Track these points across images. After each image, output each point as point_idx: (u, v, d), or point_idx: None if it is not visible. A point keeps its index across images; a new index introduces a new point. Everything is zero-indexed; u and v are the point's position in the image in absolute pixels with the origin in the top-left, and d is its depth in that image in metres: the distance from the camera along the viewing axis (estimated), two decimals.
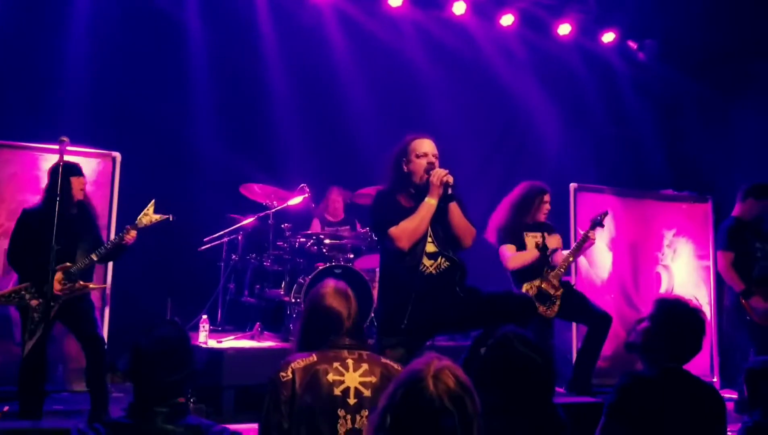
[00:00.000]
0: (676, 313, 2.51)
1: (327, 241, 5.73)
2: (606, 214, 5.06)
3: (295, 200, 5.85)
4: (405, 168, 3.59)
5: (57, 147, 3.96)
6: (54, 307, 4.00)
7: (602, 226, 5.07)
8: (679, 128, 7.56)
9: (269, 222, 5.78)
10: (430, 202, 3.47)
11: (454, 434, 1.52)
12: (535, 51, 7.41)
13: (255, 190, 5.94)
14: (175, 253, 5.94)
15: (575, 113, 7.57)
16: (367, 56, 6.98)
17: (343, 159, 6.47)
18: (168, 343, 2.04)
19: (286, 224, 5.88)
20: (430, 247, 3.54)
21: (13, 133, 5.20)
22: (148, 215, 4.26)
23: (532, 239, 4.86)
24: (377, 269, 5.83)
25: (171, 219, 4.32)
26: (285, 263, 5.73)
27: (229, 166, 6.41)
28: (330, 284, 2.46)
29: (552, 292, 4.74)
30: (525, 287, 4.75)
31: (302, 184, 5.97)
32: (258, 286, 5.88)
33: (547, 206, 4.94)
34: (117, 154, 5.21)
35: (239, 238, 6.04)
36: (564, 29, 7.21)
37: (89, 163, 5.09)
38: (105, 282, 4.93)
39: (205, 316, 5.23)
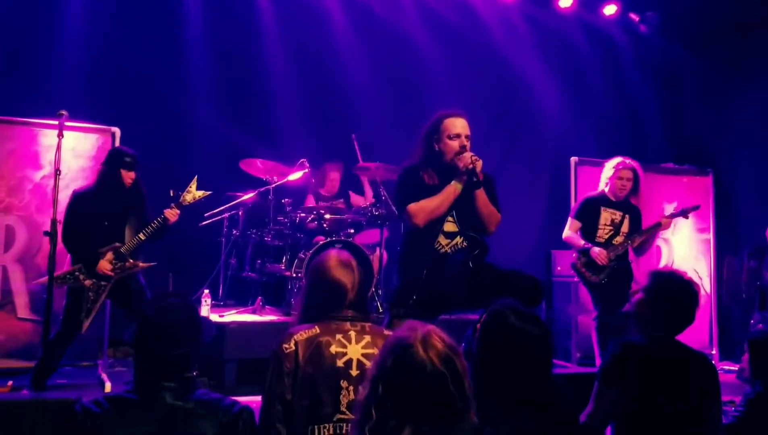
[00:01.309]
0: (669, 284, 2.57)
1: (327, 216, 5.74)
2: (697, 207, 5.34)
3: (295, 175, 5.84)
4: (435, 146, 3.54)
5: (56, 122, 3.99)
6: (106, 286, 4.18)
7: (686, 217, 5.36)
8: (680, 102, 7.54)
9: (269, 197, 5.78)
10: (455, 187, 3.45)
11: (447, 396, 1.54)
12: (535, 24, 7.36)
13: (255, 165, 5.93)
14: (175, 229, 5.94)
15: (576, 87, 7.54)
16: (367, 30, 6.93)
17: (342, 133, 6.44)
18: (175, 315, 1.99)
19: (286, 199, 5.88)
20: (450, 227, 3.54)
21: (11, 108, 5.19)
22: (191, 192, 4.35)
23: (609, 214, 5.02)
24: (377, 244, 5.86)
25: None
26: (285, 238, 5.75)
27: (228, 141, 6.40)
28: (333, 255, 2.43)
29: (599, 260, 4.87)
30: (578, 254, 4.99)
31: (302, 160, 5.95)
32: (259, 261, 5.90)
33: (625, 182, 5.00)
34: (116, 130, 5.20)
35: (240, 213, 6.04)
36: (565, 2, 7.15)
37: (88, 139, 5.10)
38: None
39: (206, 291, 5.27)
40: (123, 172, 4.22)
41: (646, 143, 7.41)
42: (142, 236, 4.24)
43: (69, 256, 4.28)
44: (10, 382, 4.25)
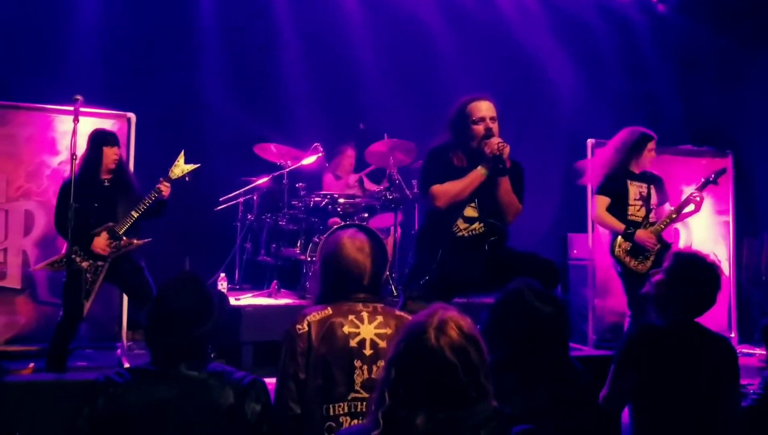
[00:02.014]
0: (691, 266, 2.52)
1: (341, 200, 5.74)
2: (723, 171, 4.85)
3: (309, 160, 5.85)
4: (461, 130, 3.51)
5: (72, 108, 4.01)
6: (104, 266, 4.18)
7: (716, 183, 4.85)
8: (698, 82, 7.42)
9: (283, 181, 5.79)
10: (480, 172, 3.42)
11: (458, 386, 1.52)
12: (549, 4, 7.27)
13: (269, 150, 5.94)
14: (191, 213, 5.98)
15: (592, 68, 7.45)
16: (379, 13, 6.90)
17: (355, 117, 6.43)
18: (186, 300, 2.01)
19: (300, 184, 5.89)
20: (470, 212, 3.52)
21: (29, 95, 5.23)
22: (180, 166, 4.34)
23: (636, 188, 4.63)
24: (391, 228, 5.86)
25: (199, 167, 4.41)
26: (300, 222, 5.76)
27: (242, 125, 6.41)
28: (347, 237, 2.41)
29: (649, 245, 4.49)
30: (619, 239, 4.53)
31: (315, 144, 5.96)
32: (274, 246, 5.92)
33: (653, 154, 4.68)
34: (132, 115, 5.22)
35: (254, 198, 6.07)
36: None
37: (104, 124, 5.12)
38: None
39: (222, 275, 5.31)
40: (105, 149, 4.21)
41: (664, 125, 7.29)
42: (135, 214, 4.21)
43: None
44: (31, 364, 4.32)
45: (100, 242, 4.16)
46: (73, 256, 4.13)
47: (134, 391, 1.92)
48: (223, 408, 1.94)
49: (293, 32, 6.72)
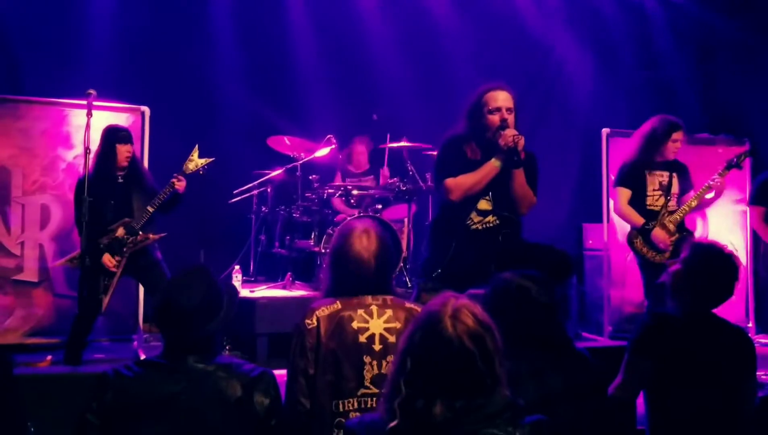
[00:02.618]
0: (708, 256, 2.49)
1: (355, 192, 5.74)
2: (747, 154, 4.73)
3: (322, 152, 5.85)
4: (478, 120, 3.48)
5: (86, 102, 4.04)
6: (121, 261, 4.22)
7: (739, 168, 4.74)
8: (714, 70, 7.33)
9: (297, 174, 5.80)
10: (494, 164, 3.39)
11: (475, 374, 1.51)
12: None
13: (282, 143, 5.95)
14: (206, 206, 6.01)
15: (607, 56, 7.37)
16: (392, 4, 6.86)
17: (368, 109, 6.42)
18: (195, 295, 1.99)
19: (313, 176, 5.90)
20: (484, 205, 3.50)
21: (43, 89, 5.27)
22: (194, 160, 4.37)
23: (656, 178, 4.58)
24: (405, 219, 5.85)
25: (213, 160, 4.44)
26: (314, 214, 5.77)
27: (256, 118, 6.42)
28: (355, 227, 2.38)
29: (662, 246, 4.44)
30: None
31: (329, 136, 5.96)
32: (288, 238, 5.94)
33: (678, 145, 4.58)
34: (146, 109, 5.24)
35: (268, 190, 6.09)
36: None
37: (119, 118, 5.14)
38: None
39: (237, 267, 5.34)
40: (119, 146, 4.24)
41: (680, 113, 7.16)
42: (150, 209, 4.24)
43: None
44: (49, 357, 4.37)
45: (108, 257, 4.19)
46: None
47: (142, 384, 1.92)
48: (232, 400, 1.93)
49: (307, 24, 6.70)
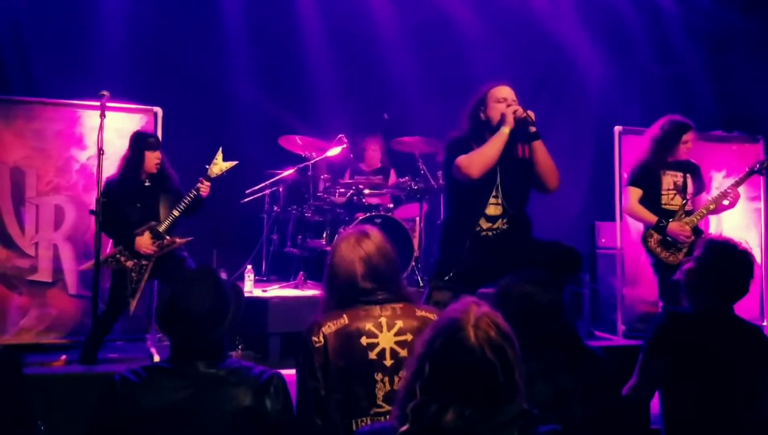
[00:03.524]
0: (722, 253, 2.46)
1: (366, 191, 5.74)
2: (766, 161, 4.70)
3: (334, 151, 5.85)
4: (482, 115, 3.52)
5: (99, 103, 4.07)
6: (148, 265, 4.28)
7: (762, 174, 4.76)
8: (729, 66, 7.26)
9: (309, 173, 5.81)
10: (503, 131, 3.34)
11: (494, 384, 1.49)
12: None
13: (294, 142, 5.96)
14: (219, 206, 6.03)
15: (619, 53, 7.33)
16: (404, 2, 6.85)
17: (380, 108, 6.40)
18: (201, 300, 1.95)
19: (325, 175, 5.90)
20: (492, 210, 3.47)
21: (57, 90, 5.30)
22: (218, 164, 4.39)
23: (670, 178, 4.54)
24: (417, 218, 5.85)
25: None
26: (325, 214, 5.78)
27: (268, 118, 6.44)
28: (343, 238, 2.30)
29: (681, 238, 4.36)
30: (651, 230, 4.46)
31: (340, 135, 5.96)
32: (300, 237, 5.95)
33: (689, 145, 4.53)
34: (158, 109, 5.26)
35: (280, 190, 6.10)
36: None
37: (132, 119, 5.17)
38: None
39: (249, 266, 5.35)
40: (147, 153, 4.28)
41: (694, 110, 7.13)
42: (176, 213, 4.30)
43: (111, 241, 4.40)
44: (63, 356, 4.39)
45: (144, 241, 4.26)
46: (118, 255, 4.27)
47: (150, 390, 1.87)
48: (242, 405, 1.89)
49: (318, 24, 6.71)
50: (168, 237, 4.31)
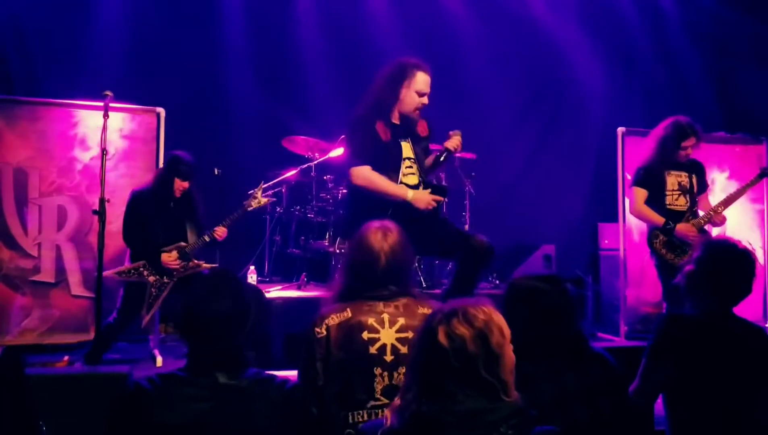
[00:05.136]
0: (722, 254, 2.44)
1: None
2: None
3: (337, 152, 5.84)
4: (399, 91, 3.56)
5: (102, 103, 4.07)
6: (169, 283, 4.35)
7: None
8: (731, 67, 7.26)
9: (311, 174, 5.81)
10: (406, 196, 3.50)
11: (479, 380, 1.51)
12: None
13: (297, 143, 5.96)
14: (221, 207, 6.02)
15: (622, 55, 7.33)
16: (406, 4, 6.86)
17: None
18: (223, 304, 1.83)
19: (328, 176, 5.90)
20: (410, 180, 3.60)
21: (59, 91, 5.30)
22: (257, 198, 4.47)
23: (675, 178, 4.54)
24: None
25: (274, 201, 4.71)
26: (328, 215, 5.78)
27: (270, 119, 6.44)
28: (371, 228, 2.33)
29: (690, 239, 4.32)
30: (657, 231, 4.45)
31: (343, 136, 5.94)
32: (303, 238, 5.95)
33: (689, 151, 4.52)
34: (161, 110, 5.26)
35: (283, 190, 6.09)
36: None
37: (134, 119, 5.18)
38: None
39: (252, 267, 5.35)
40: (177, 181, 4.34)
41: (696, 112, 7.06)
42: (207, 238, 4.39)
43: (129, 251, 4.42)
44: (66, 357, 4.40)
45: (171, 257, 4.31)
46: (141, 269, 4.31)
47: (166, 402, 1.75)
48: (265, 416, 1.80)
49: (319, 24, 6.72)
50: (194, 260, 4.36)
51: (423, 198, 3.52)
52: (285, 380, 1.92)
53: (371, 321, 2.18)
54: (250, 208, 4.44)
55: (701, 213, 4.65)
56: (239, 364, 1.86)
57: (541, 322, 2.08)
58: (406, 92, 3.55)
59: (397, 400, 1.65)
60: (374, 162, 3.55)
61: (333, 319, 2.19)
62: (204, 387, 1.79)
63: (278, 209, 6.12)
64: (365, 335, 2.16)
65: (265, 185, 4.53)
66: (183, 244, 4.34)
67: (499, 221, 6.97)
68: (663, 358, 2.36)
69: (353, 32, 6.82)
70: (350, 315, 2.19)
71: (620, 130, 5.87)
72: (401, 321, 2.20)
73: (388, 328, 2.17)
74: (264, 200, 4.47)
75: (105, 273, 4.44)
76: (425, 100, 3.57)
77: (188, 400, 1.77)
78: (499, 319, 1.59)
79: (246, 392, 1.81)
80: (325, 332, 2.16)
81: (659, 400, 2.47)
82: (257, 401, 1.81)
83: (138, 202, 4.32)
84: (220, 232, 4.44)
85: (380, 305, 2.21)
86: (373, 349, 2.14)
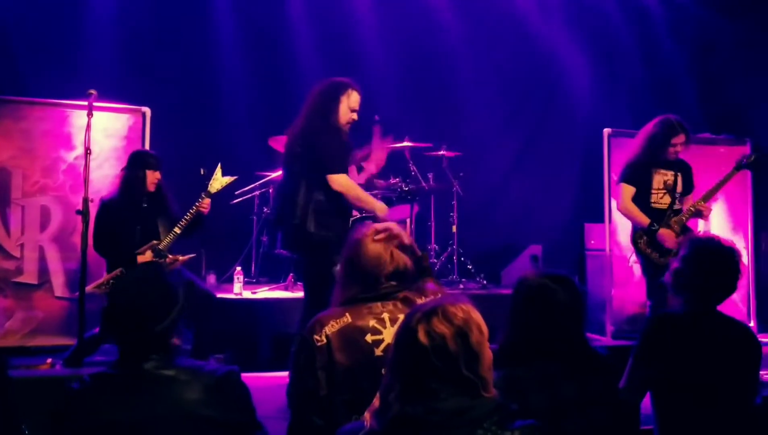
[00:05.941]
0: (707, 252, 2.45)
1: None
2: (753, 156, 4.66)
3: None
4: (339, 105, 3.76)
5: (86, 102, 4.02)
6: None
7: (750, 169, 4.73)
8: (716, 69, 7.30)
9: None
10: (380, 211, 3.87)
11: (460, 378, 1.52)
12: None
13: (284, 143, 5.90)
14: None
15: (608, 56, 7.37)
16: (393, 7, 6.86)
17: (369, 110, 6.38)
18: (142, 296, 1.86)
19: None
20: None
21: (44, 90, 5.25)
22: (218, 180, 4.37)
23: (661, 177, 4.55)
24: (407, 220, 5.83)
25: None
26: None
27: (257, 118, 6.41)
28: (367, 230, 2.28)
29: (667, 245, 4.36)
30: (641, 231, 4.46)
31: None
32: None
33: (678, 149, 4.54)
34: (147, 109, 5.23)
35: (270, 191, 6.06)
36: None
37: (119, 119, 5.14)
38: None
39: (239, 268, 5.32)
40: (149, 172, 4.25)
41: (681, 113, 7.10)
42: (177, 230, 4.24)
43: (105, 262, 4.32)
44: (49, 360, 4.34)
45: (145, 258, 4.18)
46: (120, 277, 4.17)
47: (99, 399, 1.78)
48: (197, 404, 1.79)
49: (308, 24, 6.70)
50: (170, 255, 4.26)
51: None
52: (218, 367, 1.92)
53: (372, 323, 2.13)
54: (213, 191, 4.34)
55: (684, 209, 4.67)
56: (167, 353, 1.87)
57: (549, 322, 2.06)
58: (341, 110, 3.80)
59: (376, 402, 1.64)
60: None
61: (332, 326, 2.12)
62: (132, 378, 1.81)
63: (265, 210, 6.09)
64: (369, 338, 2.11)
65: (234, 178, 4.44)
66: (155, 242, 4.22)
67: (487, 221, 6.99)
68: (650, 356, 2.37)
69: (342, 32, 6.80)
70: (350, 320, 2.13)
71: (606, 131, 5.90)
72: (402, 317, 2.10)
73: (390, 327, 2.12)
74: (226, 180, 4.38)
75: (90, 286, 4.38)
76: (354, 116, 3.84)
77: (119, 393, 1.79)
78: (477, 316, 1.59)
79: (176, 380, 1.81)
80: (325, 340, 2.09)
81: (646, 399, 2.48)
82: (189, 388, 1.81)
83: (108, 211, 4.21)
84: (204, 205, 4.29)
85: (378, 305, 2.17)
86: (378, 351, 2.10)
